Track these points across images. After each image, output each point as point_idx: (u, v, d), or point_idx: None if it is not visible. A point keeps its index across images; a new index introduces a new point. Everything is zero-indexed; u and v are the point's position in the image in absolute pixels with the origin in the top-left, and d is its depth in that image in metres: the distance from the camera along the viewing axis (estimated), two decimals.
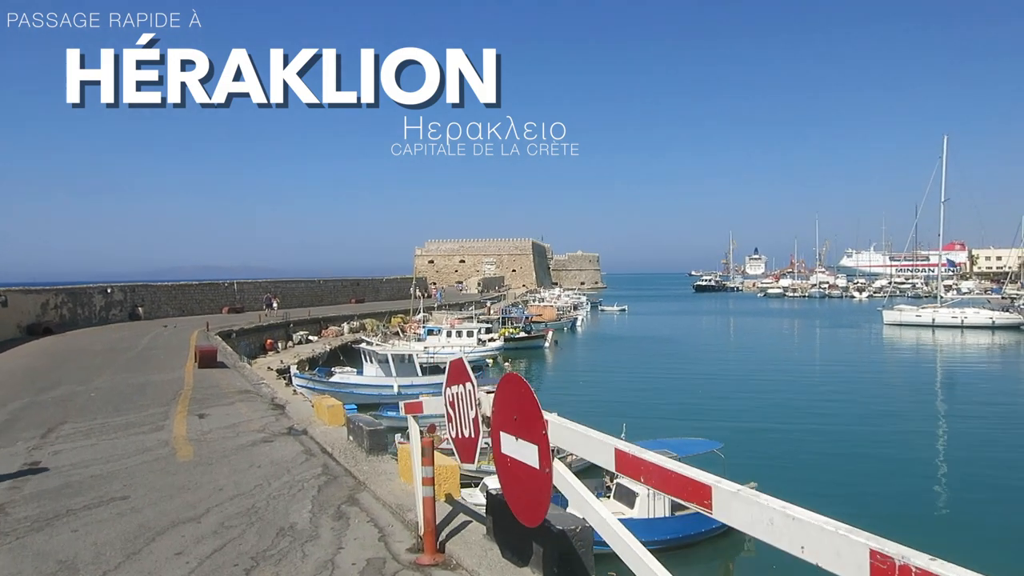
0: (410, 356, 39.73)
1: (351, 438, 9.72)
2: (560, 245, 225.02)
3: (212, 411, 13.54)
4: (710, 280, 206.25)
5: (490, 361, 49.57)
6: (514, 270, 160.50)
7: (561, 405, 32.82)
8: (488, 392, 21.27)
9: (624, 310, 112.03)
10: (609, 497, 20.15)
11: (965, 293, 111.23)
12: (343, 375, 38.28)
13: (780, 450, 27.37)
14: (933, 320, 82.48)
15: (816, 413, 35.34)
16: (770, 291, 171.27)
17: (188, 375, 19.85)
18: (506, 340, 59.61)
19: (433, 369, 41.76)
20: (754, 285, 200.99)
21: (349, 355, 45.58)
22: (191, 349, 25.65)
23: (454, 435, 6.25)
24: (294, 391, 25.05)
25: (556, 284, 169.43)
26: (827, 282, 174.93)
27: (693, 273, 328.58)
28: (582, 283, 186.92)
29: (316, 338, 51.41)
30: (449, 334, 54.21)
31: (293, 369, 36.39)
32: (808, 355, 62.58)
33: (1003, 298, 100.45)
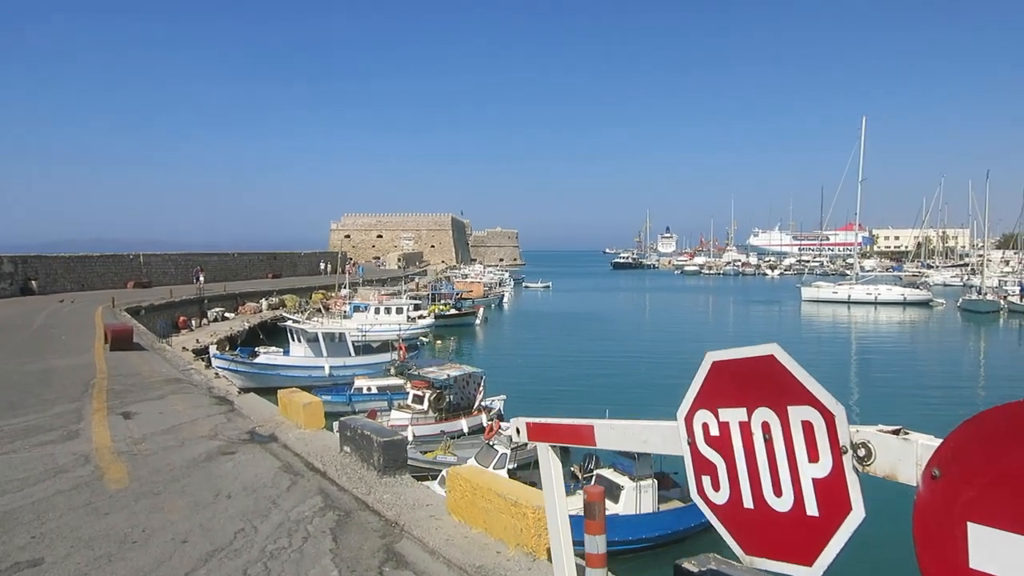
0: (342, 335, 36.80)
1: (346, 449, 7.30)
2: (479, 221, 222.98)
3: (140, 408, 10.71)
4: (628, 258, 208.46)
5: (425, 339, 47.09)
6: (433, 246, 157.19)
7: (510, 387, 31.00)
8: (431, 372, 18.43)
9: (548, 287, 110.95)
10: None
11: (868, 271, 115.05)
12: (268, 355, 35.01)
13: None
14: (849, 296, 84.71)
15: None
16: (686, 269, 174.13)
17: (99, 359, 16.65)
18: (436, 317, 57.13)
19: (366, 348, 39.02)
20: (670, 263, 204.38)
21: (270, 333, 42.21)
22: (98, 328, 22.15)
23: (748, 501, 2.75)
24: (216, 374, 22.10)
25: (475, 260, 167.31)
26: (740, 260, 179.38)
27: (608, 251, 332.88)
28: (501, 259, 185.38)
29: (233, 315, 47.57)
30: (377, 311, 51.31)
31: (212, 349, 32.91)
32: (743, 331, 62.79)
33: (914, 275, 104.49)
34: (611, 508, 17.13)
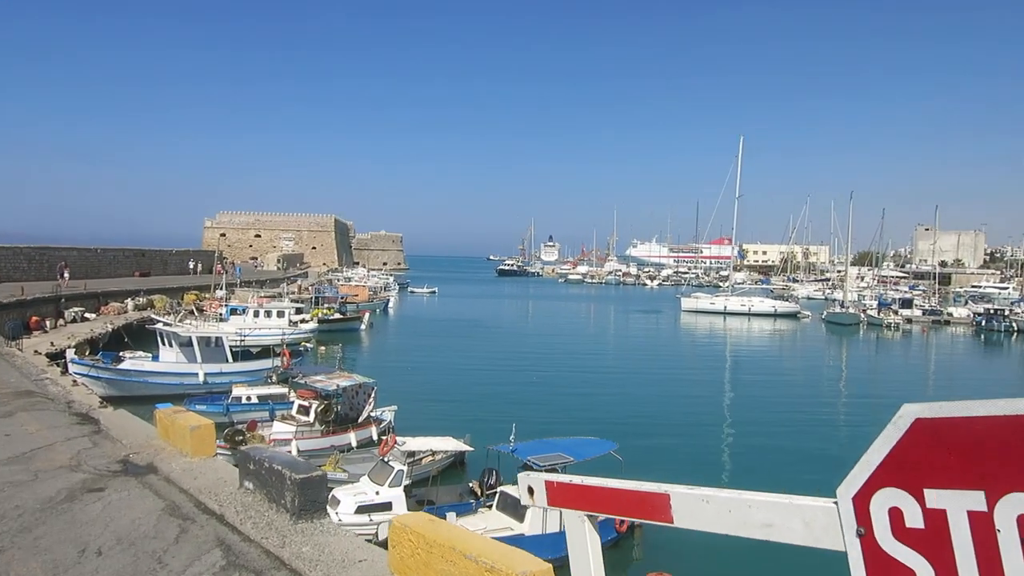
0: (218, 339, 34.24)
1: (248, 485, 6.07)
2: (363, 224, 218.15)
3: None
4: (513, 265, 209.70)
5: (309, 345, 44.84)
6: (314, 247, 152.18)
7: (400, 397, 29.69)
8: (319, 381, 16.93)
9: (434, 292, 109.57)
10: (491, 508, 17.38)
11: (740, 283, 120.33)
12: (135, 361, 32.03)
13: (638, 431, 26.19)
14: (725, 308, 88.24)
15: (656, 397, 35.22)
16: (570, 277, 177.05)
17: None
18: (320, 322, 54.77)
19: (245, 354, 36.58)
20: (554, 271, 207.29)
21: (136, 336, 38.84)
22: None
23: None
24: (74, 381, 19.71)
25: (358, 264, 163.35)
26: (621, 270, 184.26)
27: (492, 257, 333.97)
28: (384, 263, 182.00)
29: (94, 315, 43.55)
30: (256, 314, 48.51)
31: (70, 353, 29.67)
32: (630, 339, 63.94)
33: (783, 289, 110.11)
34: (516, 528, 16.33)
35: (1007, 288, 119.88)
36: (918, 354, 61.44)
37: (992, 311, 79.22)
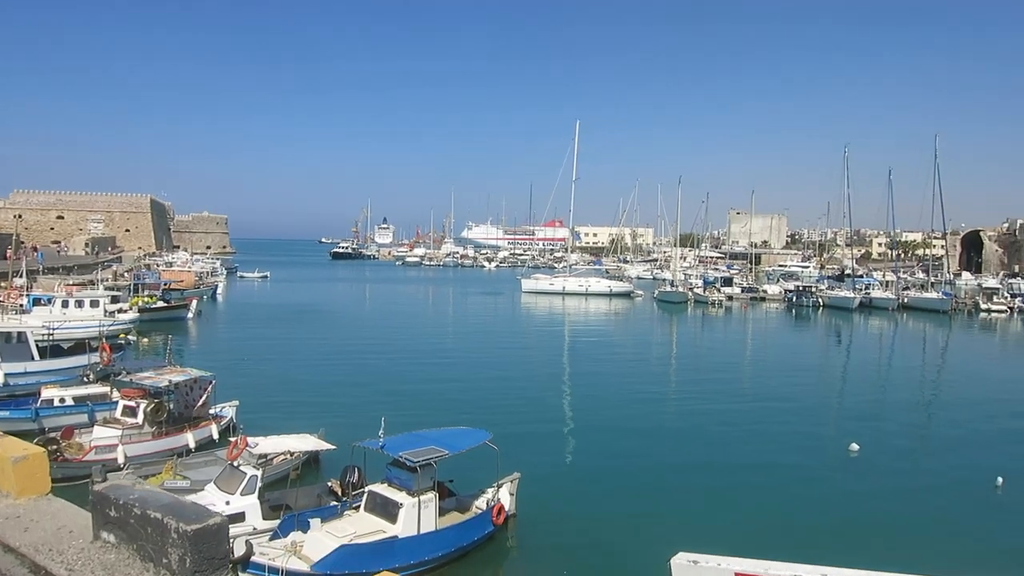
0: (21, 334, 29.90)
1: (107, 538, 4.55)
2: (183, 204, 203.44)
3: None
4: (347, 248, 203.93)
5: (131, 338, 40.48)
6: (128, 230, 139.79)
7: (241, 391, 27.25)
8: (147, 377, 14.85)
9: (266, 276, 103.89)
10: (358, 509, 16.00)
11: (574, 264, 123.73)
12: None
13: (510, 419, 25.57)
14: (564, 288, 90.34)
15: (513, 379, 34.89)
16: (408, 260, 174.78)
17: None
18: (141, 311, 49.86)
19: (55, 350, 32.28)
20: (390, 253, 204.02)
21: None
22: None
23: None
24: None
25: (178, 247, 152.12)
26: (459, 252, 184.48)
27: (324, 240, 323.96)
28: (208, 247, 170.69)
29: None
30: (65, 304, 43.19)
31: None
32: (474, 321, 63.53)
33: (616, 269, 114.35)
34: (388, 530, 15.10)
35: (808, 267, 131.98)
36: (739, 328, 65.74)
37: (801, 288, 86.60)
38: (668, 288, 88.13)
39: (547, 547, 16.65)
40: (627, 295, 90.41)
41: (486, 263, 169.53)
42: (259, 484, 16.50)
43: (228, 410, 24.77)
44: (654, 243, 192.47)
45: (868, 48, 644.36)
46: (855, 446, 24.56)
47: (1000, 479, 21.42)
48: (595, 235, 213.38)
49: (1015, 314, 78.97)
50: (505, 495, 17.61)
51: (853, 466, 23.30)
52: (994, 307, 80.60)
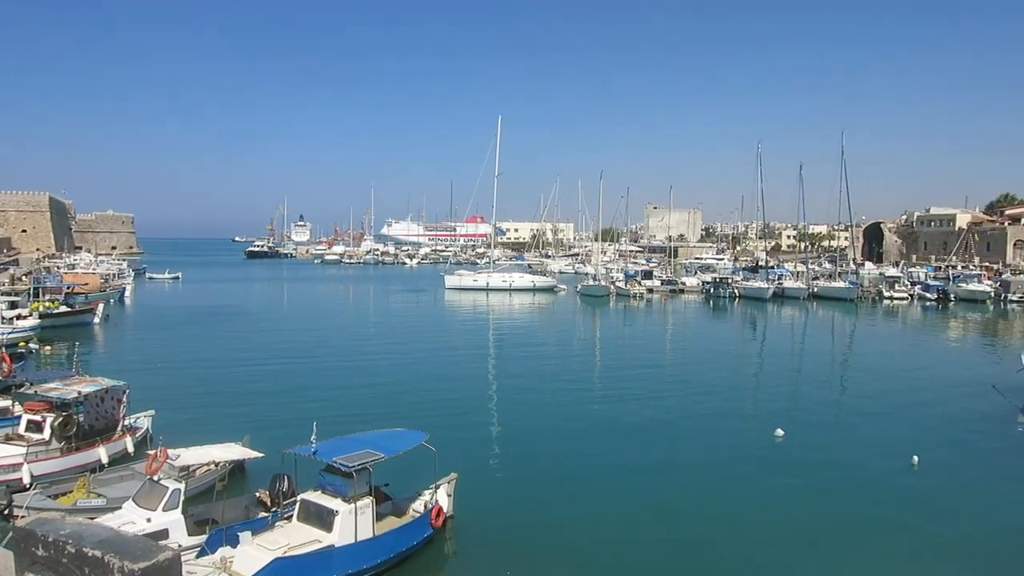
0: None
1: None
2: (85, 203, 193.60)
3: None
4: (263, 246, 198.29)
5: (33, 346, 38.02)
6: (25, 230, 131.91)
7: (157, 400, 25.91)
8: (54, 389, 14.01)
9: (178, 277, 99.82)
10: (291, 519, 15.35)
11: (497, 260, 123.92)
12: None
13: (448, 422, 25.16)
14: (487, 284, 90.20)
15: (443, 377, 34.46)
16: (327, 258, 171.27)
17: None
18: (42, 317, 46.98)
19: None
20: (308, 252, 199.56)
21: None
22: None
23: None
24: None
25: (80, 248, 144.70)
26: (379, 249, 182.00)
27: (238, 239, 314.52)
28: (114, 247, 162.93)
29: None
30: None
31: None
32: (399, 319, 62.55)
33: (539, 264, 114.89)
34: (324, 539, 14.52)
35: (723, 259, 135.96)
36: (661, 320, 66.94)
37: (718, 280, 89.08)
38: (591, 282, 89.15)
39: (487, 548, 16.40)
40: (550, 290, 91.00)
41: (408, 260, 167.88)
42: (182, 498, 15.63)
43: (143, 421, 23.51)
44: (575, 238, 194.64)
45: (779, 45, 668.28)
46: (780, 432, 25.25)
47: (916, 457, 22.38)
48: (516, 230, 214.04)
49: (915, 300, 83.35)
50: (443, 496, 17.26)
51: (780, 452, 23.92)
52: (896, 294, 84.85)
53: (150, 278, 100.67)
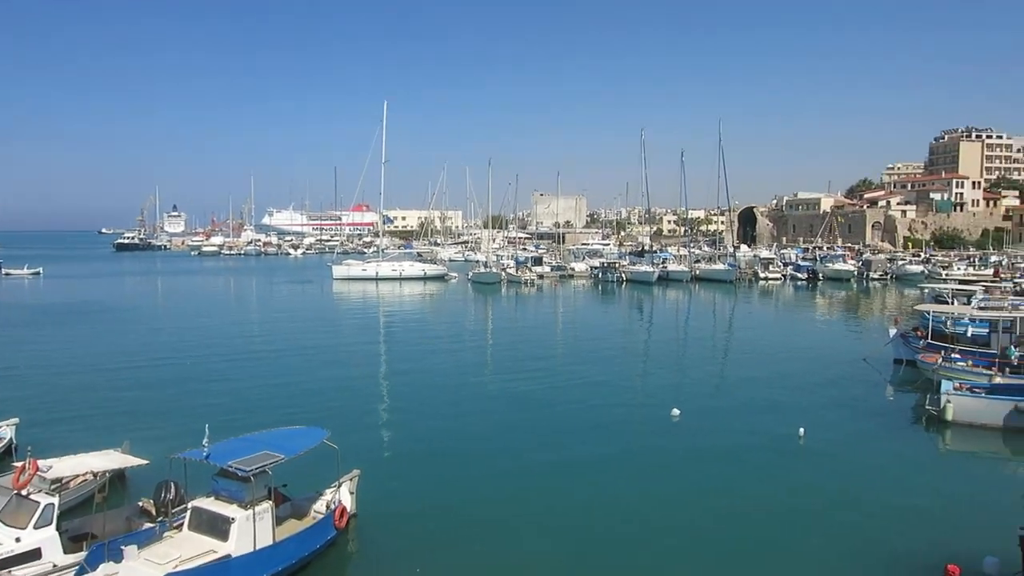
0: None
1: None
2: None
3: None
4: (134, 238, 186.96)
5: None
6: None
7: (20, 407, 23.71)
8: None
9: (38, 273, 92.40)
10: (181, 529, 14.25)
11: (385, 249, 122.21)
12: None
13: (349, 419, 24.18)
14: (377, 273, 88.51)
15: (337, 370, 33.31)
16: (204, 249, 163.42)
17: None
18: None
19: None
20: (184, 243, 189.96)
21: None
22: None
23: None
24: None
25: None
26: (260, 239, 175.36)
27: (105, 231, 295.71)
28: None
29: None
30: None
31: None
32: (286, 311, 60.08)
33: (429, 253, 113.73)
34: (219, 549, 13.54)
35: (609, 244, 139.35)
36: (553, 305, 67.68)
37: (606, 264, 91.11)
38: (482, 269, 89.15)
39: (393, 545, 15.84)
40: (441, 278, 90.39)
41: (292, 250, 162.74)
42: (56, 513, 14.21)
43: (6, 430, 21.39)
44: (464, 225, 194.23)
45: (656, 30, 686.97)
46: (676, 411, 25.88)
47: (801, 430, 23.45)
48: (404, 218, 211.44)
49: (787, 280, 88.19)
50: (345, 495, 16.55)
51: (677, 430, 24.52)
52: (770, 275, 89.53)
53: (6, 274, 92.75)
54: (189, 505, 14.51)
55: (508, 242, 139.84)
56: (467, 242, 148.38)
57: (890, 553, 15.22)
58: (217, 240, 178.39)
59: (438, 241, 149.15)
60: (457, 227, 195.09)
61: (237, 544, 13.61)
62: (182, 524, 14.33)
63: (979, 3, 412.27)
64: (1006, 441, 23.40)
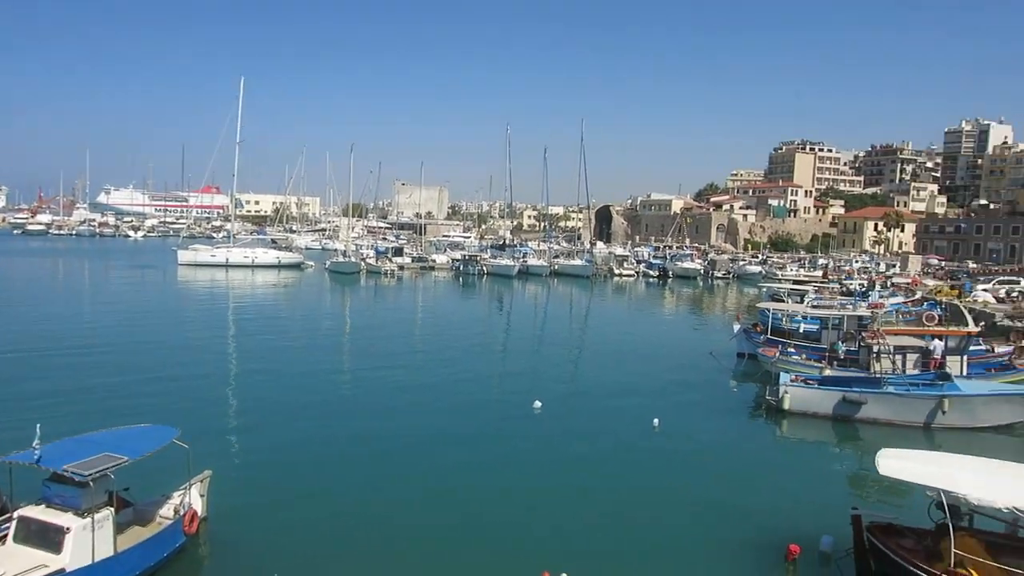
0: None
1: None
2: None
3: None
4: None
5: None
6: None
7: None
8: None
9: None
10: (5, 541, 12.76)
11: (236, 234, 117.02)
12: None
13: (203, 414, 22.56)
14: (227, 260, 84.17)
15: (186, 363, 31.24)
16: (29, 228, 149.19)
17: None
18: None
19: None
20: (4, 220, 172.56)
21: None
22: None
23: None
24: None
25: None
26: (95, 219, 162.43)
27: None
28: None
29: None
30: None
31: None
32: (122, 300, 55.68)
33: (285, 239, 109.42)
34: (52, 563, 12.23)
35: (470, 237, 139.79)
36: (413, 297, 67.11)
37: (467, 257, 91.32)
38: (340, 259, 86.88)
39: (247, 549, 14.99)
40: (297, 266, 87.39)
41: (131, 232, 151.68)
42: None
43: None
44: (322, 212, 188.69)
45: (532, 27, 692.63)
46: (538, 403, 26.25)
47: (656, 420, 24.44)
48: (258, 203, 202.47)
49: (640, 277, 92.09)
50: (196, 498, 15.47)
51: (539, 422, 24.86)
52: (625, 272, 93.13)
53: None
54: (15, 515, 13.02)
55: (368, 231, 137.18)
56: (325, 230, 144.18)
57: (736, 536, 16.12)
58: (44, 218, 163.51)
59: (294, 228, 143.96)
60: (315, 214, 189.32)
61: (73, 557, 12.34)
62: (5, 536, 12.85)
63: (826, 27, 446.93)
64: (835, 428, 25.45)
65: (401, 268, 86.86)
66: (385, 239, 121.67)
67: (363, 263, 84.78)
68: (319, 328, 45.59)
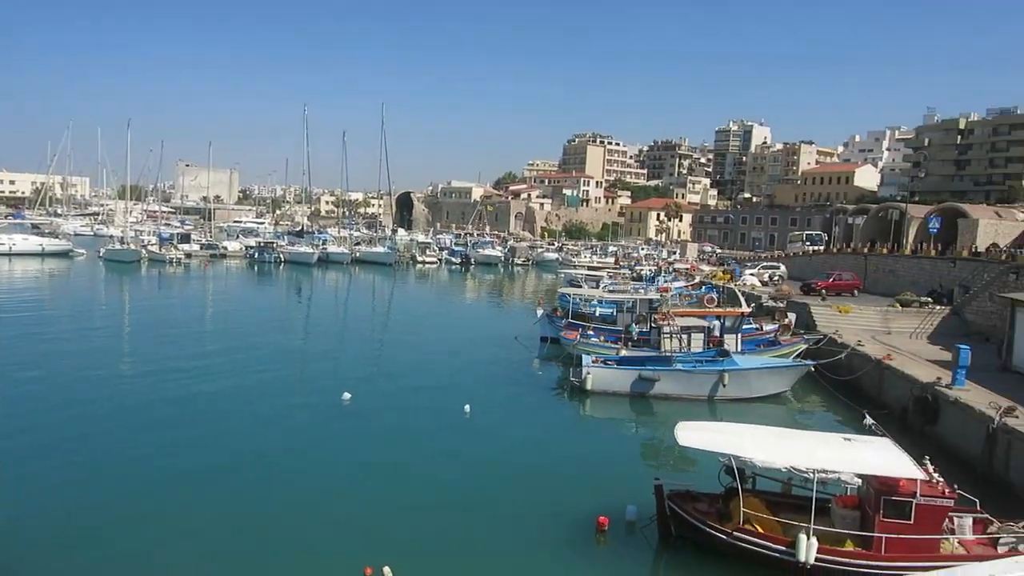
0: None
1: None
2: None
3: None
4: None
5: None
6: None
7: None
8: None
9: None
10: None
11: None
12: None
13: None
14: None
15: None
16: None
17: None
18: None
19: None
20: None
21: None
22: None
23: None
24: None
25: None
26: None
27: None
28: None
29: None
30: None
31: None
32: None
33: (50, 224, 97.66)
34: None
35: (264, 223, 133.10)
36: (203, 287, 62.70)
37: (262, 244, 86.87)
38: (117, 246, 79.18)
39: (32, 560, 13.22)
40: (65, 254, 78.68)
41: None
42: None
43: None
44: (92, 194, 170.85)
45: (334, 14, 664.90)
46: (347, 395, 25.52)
47: (467, 407, 24.67)
48: (13, 183, 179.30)
49: (443, 264, 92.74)
50: None
51: (348, 414, 24.18)
52: (427, 259, 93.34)
53: None
54: None
55: (148, 216, 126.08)
56: (97, 214, 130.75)
57: (547, 511, 16.68)
58: None
59: (59, 211, 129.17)
60: (84, 196, 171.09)
61: None
62: None
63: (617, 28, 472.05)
64: (633, 405, 27.13)
65: (188, 256, 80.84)
66: (169, 224, 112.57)
67: (144, 251, 77.85)
68: (92, 325, 40.72)
